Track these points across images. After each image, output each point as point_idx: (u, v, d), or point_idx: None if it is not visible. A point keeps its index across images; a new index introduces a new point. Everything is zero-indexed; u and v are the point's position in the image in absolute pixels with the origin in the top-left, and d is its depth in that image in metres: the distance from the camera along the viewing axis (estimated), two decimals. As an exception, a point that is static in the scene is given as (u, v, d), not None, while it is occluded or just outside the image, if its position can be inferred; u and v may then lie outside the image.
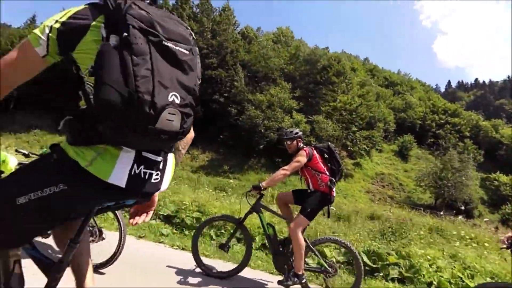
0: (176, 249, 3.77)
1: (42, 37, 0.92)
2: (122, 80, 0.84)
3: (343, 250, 3.84)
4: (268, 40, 38.73)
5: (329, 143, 3.31)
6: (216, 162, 28.37)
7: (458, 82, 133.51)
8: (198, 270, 3.14)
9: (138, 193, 1.04)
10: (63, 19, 0.94)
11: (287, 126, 29.04)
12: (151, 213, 1.31)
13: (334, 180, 3.05)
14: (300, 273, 2.84)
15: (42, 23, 0.96)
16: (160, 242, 3.89)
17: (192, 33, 1.08)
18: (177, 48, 0.96)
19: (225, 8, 39.13)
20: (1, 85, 0.91)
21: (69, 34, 0.93)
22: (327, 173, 3.08)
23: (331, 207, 3.16)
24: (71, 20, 0.94)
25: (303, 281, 2.84)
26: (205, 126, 29.30)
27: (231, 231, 3.43)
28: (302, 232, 2.95)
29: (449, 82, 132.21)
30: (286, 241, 3.08)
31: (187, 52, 0.99)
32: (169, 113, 0.89)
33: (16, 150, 2.77)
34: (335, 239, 3.14)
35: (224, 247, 3.15)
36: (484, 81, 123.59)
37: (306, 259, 3.15)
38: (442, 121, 44.08)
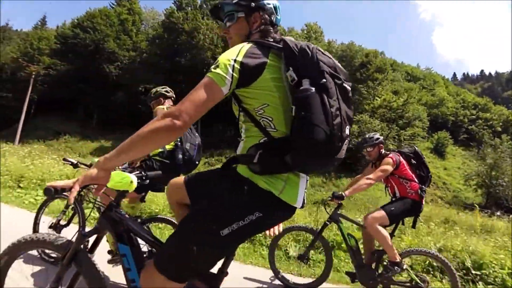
0: (249, 264, 3.57)
1: (227, 77, 0.99)
2: (324, 121, 0.96)
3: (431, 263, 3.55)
4: (301, 36, 37.41)
5: (416, 147, 3.09)
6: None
7: (464, 74, 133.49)
8: (276, 282, 3.05)
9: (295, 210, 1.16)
10: (240, 58, 1.01)
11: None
12: (281, 224, 1.45)
13: (424, 188, 2.83)
14: (397, 260, 2.62)
15: (220, 62, 1.01)
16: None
17: None
18: (347, 87, 1.08)
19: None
20: (191, 121, 0.96)
21: (249, 72, 1.02)
22: (416, 180, 2.86)
23: (419, 218, 2.95)
24: (248, 59, 1.02)
25: (404, 267, 2.65)
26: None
27: (308, 242, 3.38)
28: None
29: (454, 74, 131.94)
30: (375, 253, 2.84)
31: (350, 89, 1.11)
32: (345, 144, 1.04)
33: (64, 159, 2.67)
34: (427, 251, 2.84)
35: (303, 258, 3.07)
36: (490, 73, 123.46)
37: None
38: (474, 116, 43.30)
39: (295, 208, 1.10)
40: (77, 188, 1.00)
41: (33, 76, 26.81)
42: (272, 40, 1.14)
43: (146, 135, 0.96)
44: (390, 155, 2.91)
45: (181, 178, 1.46)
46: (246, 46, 1.06)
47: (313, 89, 0.98)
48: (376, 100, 32.00)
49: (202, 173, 1.47)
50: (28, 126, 33.53)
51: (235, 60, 1.00)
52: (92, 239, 1.37)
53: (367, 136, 3.15)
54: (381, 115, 31.21)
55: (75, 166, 2.67)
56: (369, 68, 33.05)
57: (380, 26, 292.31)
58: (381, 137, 3.08)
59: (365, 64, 33.46)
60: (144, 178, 1.44)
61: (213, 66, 1.02)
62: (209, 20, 31.38)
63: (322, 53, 1.06)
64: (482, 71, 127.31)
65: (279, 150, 1.03)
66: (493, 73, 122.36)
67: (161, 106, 2.72)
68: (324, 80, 1.00)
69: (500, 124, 42.78)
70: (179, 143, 2.66)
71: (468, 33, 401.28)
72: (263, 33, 1.20)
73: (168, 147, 2.63)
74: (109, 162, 1.01)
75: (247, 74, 1.02)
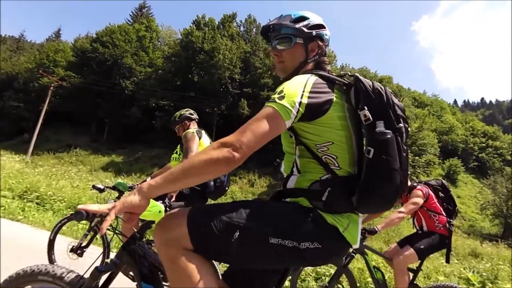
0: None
1: (293, 111, 0.96)
2: (400, 166, 0.97)
3: None
4: (316, 60, 37.77)
5: (443, 180, 3.03)
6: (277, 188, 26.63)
7: (464, 101, 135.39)
8: None
9: None
10: (307, 93, 0.99)
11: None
12: None
13: (452, 222, 2.76)
14: None
15: (286, 93, 0.97)
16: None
17: None
18: (409, 129, 1.10)
19: (269, 27, 38.41)
20: (249, 154, 0.91)
21: (315, 109, 0.99)
22: (444, 213, 2.78)
23: (452, 252, 2.87)
24: (315, 94, 1.00)
25: None
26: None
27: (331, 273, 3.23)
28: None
29: (455, 101, 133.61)
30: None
31: None
32: None
33: (93, 186, 2.62)
34: (453, 286, 2.69)
35: None
36: (491, 101, 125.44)
37: None
38: (483, 144, 43.30)
39: (350, 247, 1.06)
40: (112, 216, 0.87)
41: (51, 88, 26.64)
42: (334, 74, 1.12)
43: (200, 165, 0.88)
44: (419, 187, 2.83)
45: None
46: (311, 79, 1.03)
47: (391, 132, 0.97)
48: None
49: None
50: (39, 137, 33.21)
51: (302, 95, 0.97)
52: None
53: None
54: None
55: (101, 191, 2.58)
56: (384, 94, 33.22)
57: (378, 51, 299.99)
58: None
59: (379, 90, 33.64)
60: (167, 209, 1.31)
61: (277, 96, 0.97)
62: (228, 41, 31.83)
63: (394, 96, 1.06)
64: (482, 98, 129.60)
65: (346, 189, 1.02)
66: (493, 101, 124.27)
67: (190, 130, 2.66)
68: (401, 124, 1.00)
69: (510, 153, 42.71)
70: None
71: (468, 61, 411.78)
72: (318, 64, 1.18)
73: None
74: (155, 190, 0.91)
75: (314, 110, 0.99)
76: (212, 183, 2.53)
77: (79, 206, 0.92)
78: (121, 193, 2.63)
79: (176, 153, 2.82)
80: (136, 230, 1.22)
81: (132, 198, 0.90)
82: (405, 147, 1.00)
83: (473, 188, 37.65)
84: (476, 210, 32.14)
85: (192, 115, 2.90)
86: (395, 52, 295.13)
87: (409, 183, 2.86)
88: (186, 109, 2.96)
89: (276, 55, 1.20)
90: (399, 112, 1.01)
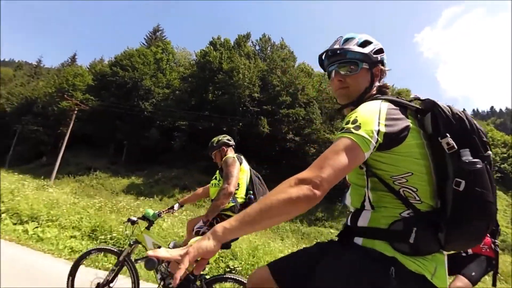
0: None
1: (372, 141, 0.91)
2: (492, 196, 0.89)
3: None
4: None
5: None
6: (302, 207, 26.06)
7: (473, 110, 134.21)
8: None
9: None
10: (383, 120, 0.93)
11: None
12: None
13: (497, 242, 2.64)
14: None
15: (362, 123, 0.92)
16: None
17: None
18: None
19: (283, 45, 38.99)
20: (328, 189, 0.86)
21: (393, 137, 0.94)
22: (488, 234, 2.59)
23: (498, 274, 2.69)
24: (392, 121, 0.95)
25: None
26: (279, 165, 27.52)
27: None
28: None
29: (464, 110, 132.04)
30: None
31: None
32: None
33: (128, 220, 2.60)
34: None
35: None
36: (501, 109, 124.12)
37: None
38: (505, 154, 42.41)
39: None
40: (186, 264, 0.81)
41: (75, 111, 26.96)
42: (404, 99, 1.06)
43: (279, 205, 0.82)
44: None
45: (263, 271, 1.20)
46: (384, 105, 0.98)
47: (481, 161, 0.89)
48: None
49: (294, 256, 1.22)
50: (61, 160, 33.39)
51: (379, 123, 0.92)
52: None
53: None
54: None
55: (133, 222, 2.58)
56: (403, 107, 32.98)
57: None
58: None
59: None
60: None
61: (352, 126, 0.91)
62: (246, 60, 32.23)
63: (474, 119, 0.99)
64: (492, 107, 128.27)
65: (431, 226, 0.93)
66: (503, 109, 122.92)
67: (230, 155, 2.69)
68: (489, 152, 0.93)
69: (533, 163, 41.70)
70: (252, 197, 2.60)
71: (474, 69, 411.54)
72: (380, 89, 1.15)
73: (240, 200, 2.57)
74: (230, 234, 0.85)
75: (391, 138, 0.93)
76: None
77: (149, 253, 0.84)
78: (150, 222, 2.65)
79: (216, 178, 2.80)
80: (189, 271, 1.08)
81: (207, 243, 0.84)
82: (493, 177, 0.92)
83: (499, 201, 36.40)
84: (506, 224, 31.02)
85: (230, 141, 2.92)
86: (399, 64, 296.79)
87: None
88: (223, 135, 2.98)
89: (339, 80, 1.15)
90: (484, 138, 0.93)
